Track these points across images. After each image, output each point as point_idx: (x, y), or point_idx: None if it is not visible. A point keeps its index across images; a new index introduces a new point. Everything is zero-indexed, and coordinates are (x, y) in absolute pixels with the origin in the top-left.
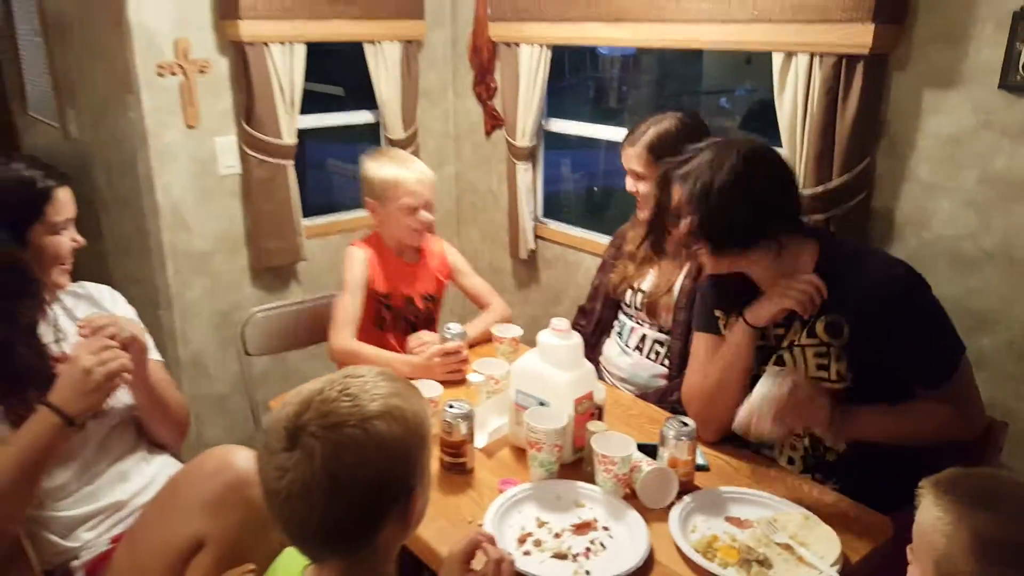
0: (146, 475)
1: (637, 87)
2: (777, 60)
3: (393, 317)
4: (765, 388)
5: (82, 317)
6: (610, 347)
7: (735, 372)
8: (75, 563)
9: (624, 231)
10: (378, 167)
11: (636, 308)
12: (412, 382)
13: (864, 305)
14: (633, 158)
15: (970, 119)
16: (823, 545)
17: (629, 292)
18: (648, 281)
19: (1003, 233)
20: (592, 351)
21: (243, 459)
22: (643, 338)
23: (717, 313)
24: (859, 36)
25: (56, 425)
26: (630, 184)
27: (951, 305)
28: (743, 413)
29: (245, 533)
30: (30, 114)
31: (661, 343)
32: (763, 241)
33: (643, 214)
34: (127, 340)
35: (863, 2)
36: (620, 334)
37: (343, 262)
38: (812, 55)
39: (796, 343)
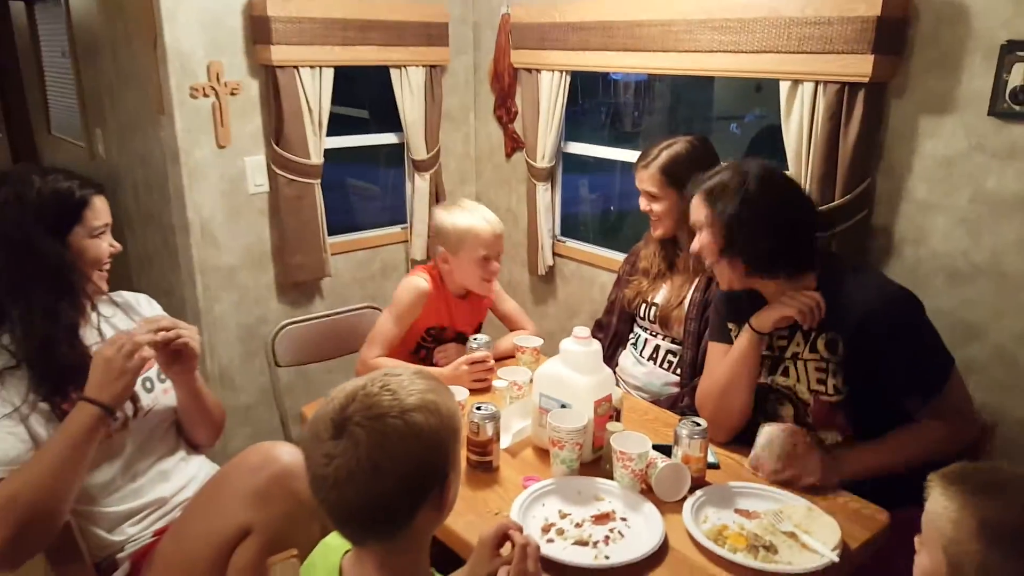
0: (186, 474)
1: (650, 113)
2: (784, 87)
3: (436, 347)
4: (764, 439)
5: (121, 324)
6: (625, 358)
7: (742, 376)
8: (120, 555)
9: (638, 249)
10: (455, 217)
11: (650, 320)
12: None
13: (860, 323)
14: (647, 180)
15: (963, 142)
16: (825, 533)
17: (643, 306)
18: (661, 295)
19: (993, 248)
20: (608, 362)
21: (287, 454)
22: (656, 348)
23: (730, 325)
24: (860, 66)
25: (94, 415)
26: (644, 204)
27: (946, 316)
28: (752, 457)
29: (289, 522)
30: (54, 134)
31: (673, 353)
32: (795, 262)
33: (657, 232)
34: (180, 346)
35: (864, 35)
36: (635, 345)
37: (402, 283)
38: (817, 83)
39: (800, 356)
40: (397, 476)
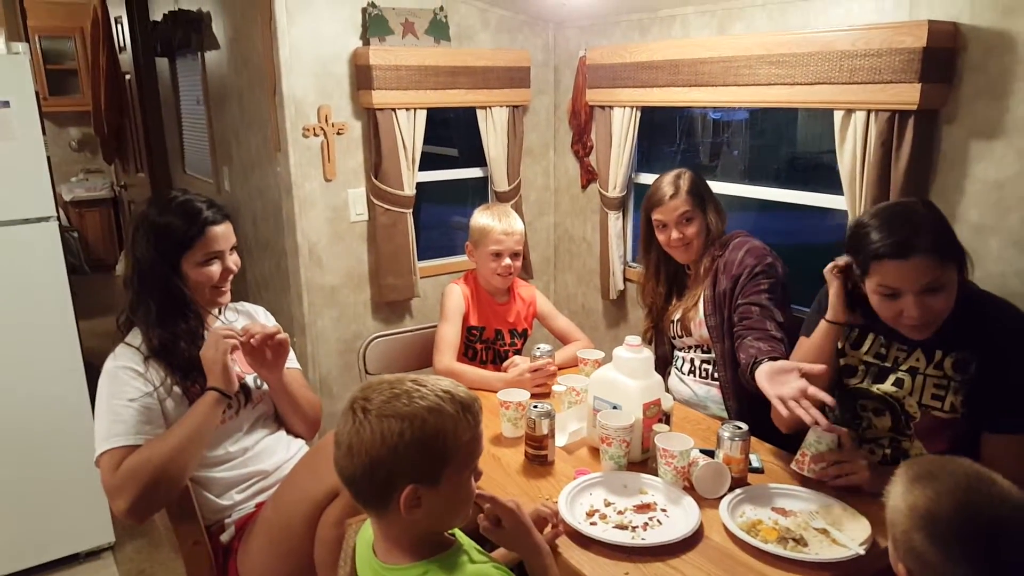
0: (287, 453)
1: (728, 146)
2: (838, 117)
3: (484, 348)
4: (812, 437)
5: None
6: (671, 378)
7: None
8: (228, 520)
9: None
10: (479, 216)
11: (677, 335)
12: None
13: (992, 346)
14: (681, 205)
15: (1013, 166)
16: (856, 530)
17: (670, 326)
18: (679, 312)
19: None
20: None
21: None
22: (692, 362)
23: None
24: (908, 95)
25: (212, 398)
26: (675, 234)
27: None
28: (798, 453)
29: None
30: (188, 173)
31: (706, 362)
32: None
33: (686, 257)
34: (261, 339)
35: (911, 65)
36: (677, 367)
37: (442, 296)
38: (868, 111)
39: (919, 371)
40: (363, 465)
